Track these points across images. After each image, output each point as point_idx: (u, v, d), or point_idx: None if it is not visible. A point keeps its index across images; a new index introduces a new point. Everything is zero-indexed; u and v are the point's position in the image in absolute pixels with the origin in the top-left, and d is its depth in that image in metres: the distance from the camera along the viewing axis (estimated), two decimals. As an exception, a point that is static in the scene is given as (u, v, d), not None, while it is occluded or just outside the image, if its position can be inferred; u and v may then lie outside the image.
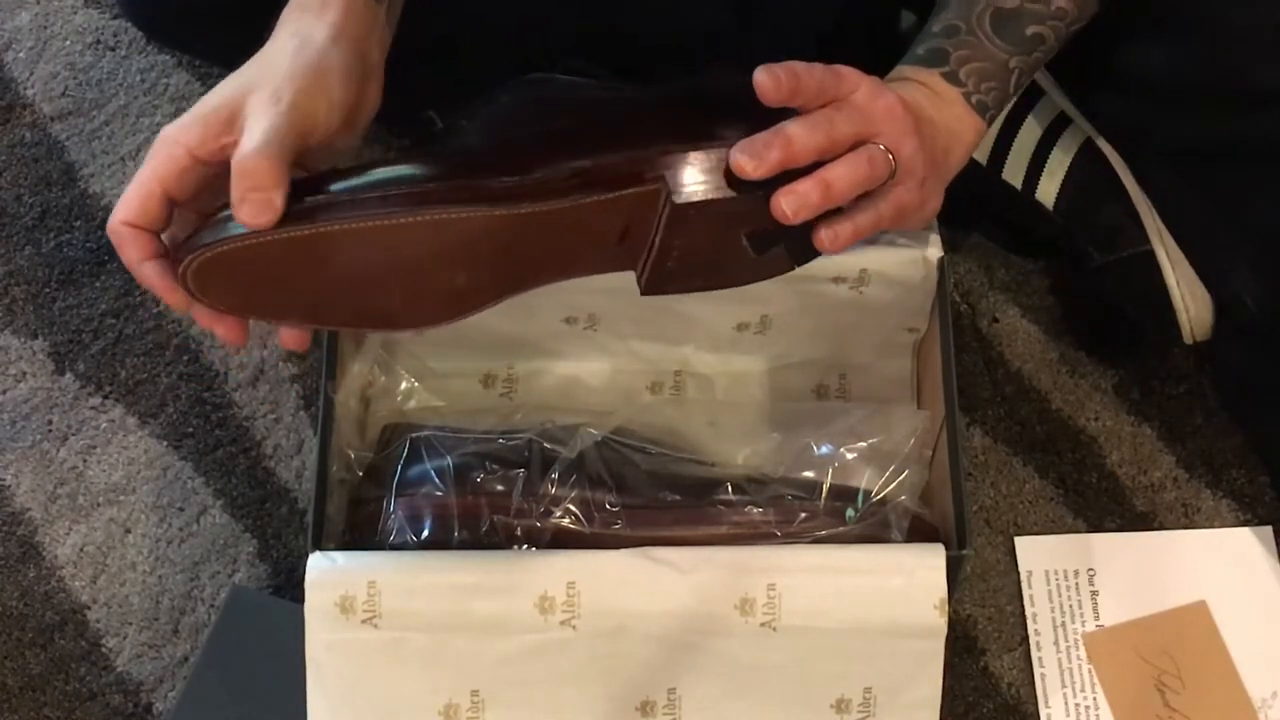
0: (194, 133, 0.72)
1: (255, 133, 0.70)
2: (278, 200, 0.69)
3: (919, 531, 0.88)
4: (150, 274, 0.73)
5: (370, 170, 0.74)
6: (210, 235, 0.71)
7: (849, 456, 0.91)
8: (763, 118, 0.75)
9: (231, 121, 0.72)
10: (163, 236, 0.74)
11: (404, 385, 0.99)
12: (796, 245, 0.79)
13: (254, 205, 0.69)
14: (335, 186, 0.73)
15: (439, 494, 0.88)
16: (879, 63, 0.89)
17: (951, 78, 0.83)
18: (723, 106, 0.77)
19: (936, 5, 0.87)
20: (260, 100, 0.72)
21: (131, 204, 0.72)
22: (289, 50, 0.74)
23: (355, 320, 0.79)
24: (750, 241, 0.78)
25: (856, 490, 0.90)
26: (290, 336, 0.77)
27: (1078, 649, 0.97)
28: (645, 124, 0.78)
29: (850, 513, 0.89)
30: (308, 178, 0.74)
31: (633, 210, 0.75)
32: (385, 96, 0.79)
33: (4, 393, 1.08)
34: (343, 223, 0.71)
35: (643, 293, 0.79)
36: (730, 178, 0.75)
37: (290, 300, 0.75)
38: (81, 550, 1.03)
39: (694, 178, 0.75)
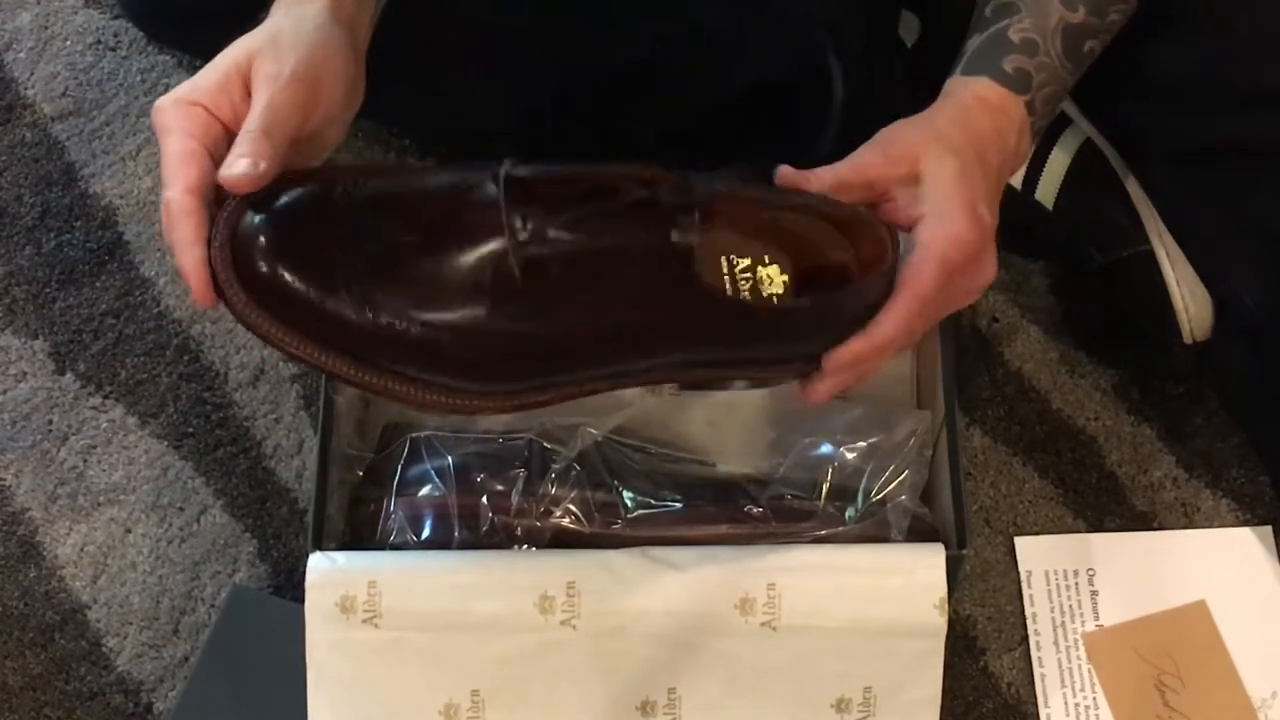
0: (210, 96, 0.70)
1: (256, 106, 0.70)
2: (262, 166, 0.68)
3: (919, 531, 0.88)
4: (194, 262, 0.69)
5: None
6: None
7: (849, 456, 0.91)
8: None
9: (246, 85, 0.71)
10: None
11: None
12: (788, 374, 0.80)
13: (240, 169, 0.68)
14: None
15: (439, 494, 0.88)
16: (877, 61, 0.88)
17: (1030, 107, 0.81)
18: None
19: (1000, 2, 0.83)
20: (265, 72, 0.71)
21: (185, 172, 0.69)
22: (287, 25, 0.73)
23: None
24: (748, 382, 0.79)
25: (856, 490, 0.90)
26: None
27: (1077, 649, 0.97)
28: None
29: (850, 513, 0.89)
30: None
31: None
32: (386, 95, 0.79)
33: (4, 393, 1.08)
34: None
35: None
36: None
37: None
38: (82, 550, 1.03)
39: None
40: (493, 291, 0.70)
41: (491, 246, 0.70)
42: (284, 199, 0.70)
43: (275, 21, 0.75)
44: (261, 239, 0.69)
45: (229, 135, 0.70)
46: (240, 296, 0.69)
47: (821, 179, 0.76)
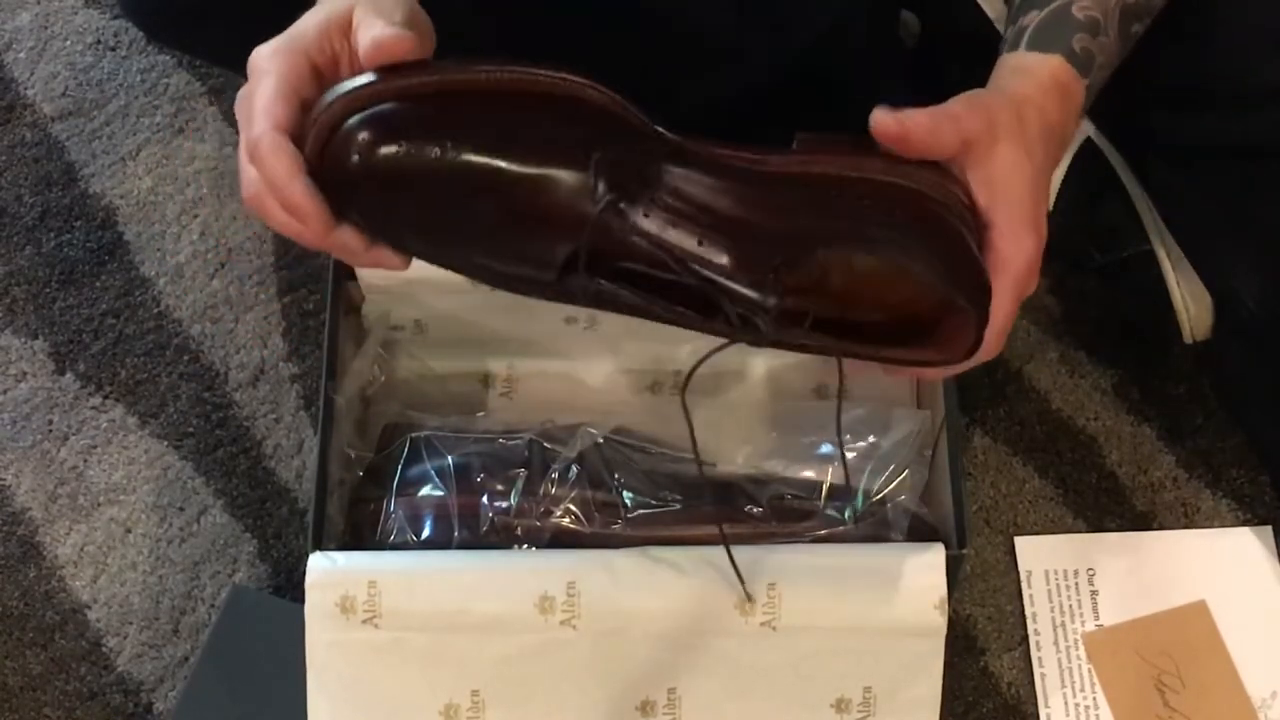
0: (314, 44, 0.69)
1: (377, 21, 0.69)
2: (410, 34, 0.67)
3: (919, 531, 0.88)
4: (299, 192, 0.67)
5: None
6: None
7: (849, 456, 0.91)
8: None
9: (347, 30, 0.70)
10: None
11: (404, 385, 0.99)
12: None
13: (393, 32, 0.67)
14: None
15: (439, 494, 0.88)
16: (878, 61, 0.88)
17: (1089, 91, 0.79)
18: None
19: None
20: (372, 11, 0.69)
21: (276, 109, 0.67)
22: None
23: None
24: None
25: (856, 490, 0.90)
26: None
27: (1077, 649, 0.97)
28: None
29: (850, 513, 0.89)
30: None
31: None
32: None
33: (4, 393, 1.08)
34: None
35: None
36: None
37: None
38: (82, 550, 1.03)
39: None
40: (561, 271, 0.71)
41: (568, 245, 0.70)
42: (384, 153, 0.68)
43: None
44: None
45: (319, 80, 0.69)
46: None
47: (919, 126, 0.72)
